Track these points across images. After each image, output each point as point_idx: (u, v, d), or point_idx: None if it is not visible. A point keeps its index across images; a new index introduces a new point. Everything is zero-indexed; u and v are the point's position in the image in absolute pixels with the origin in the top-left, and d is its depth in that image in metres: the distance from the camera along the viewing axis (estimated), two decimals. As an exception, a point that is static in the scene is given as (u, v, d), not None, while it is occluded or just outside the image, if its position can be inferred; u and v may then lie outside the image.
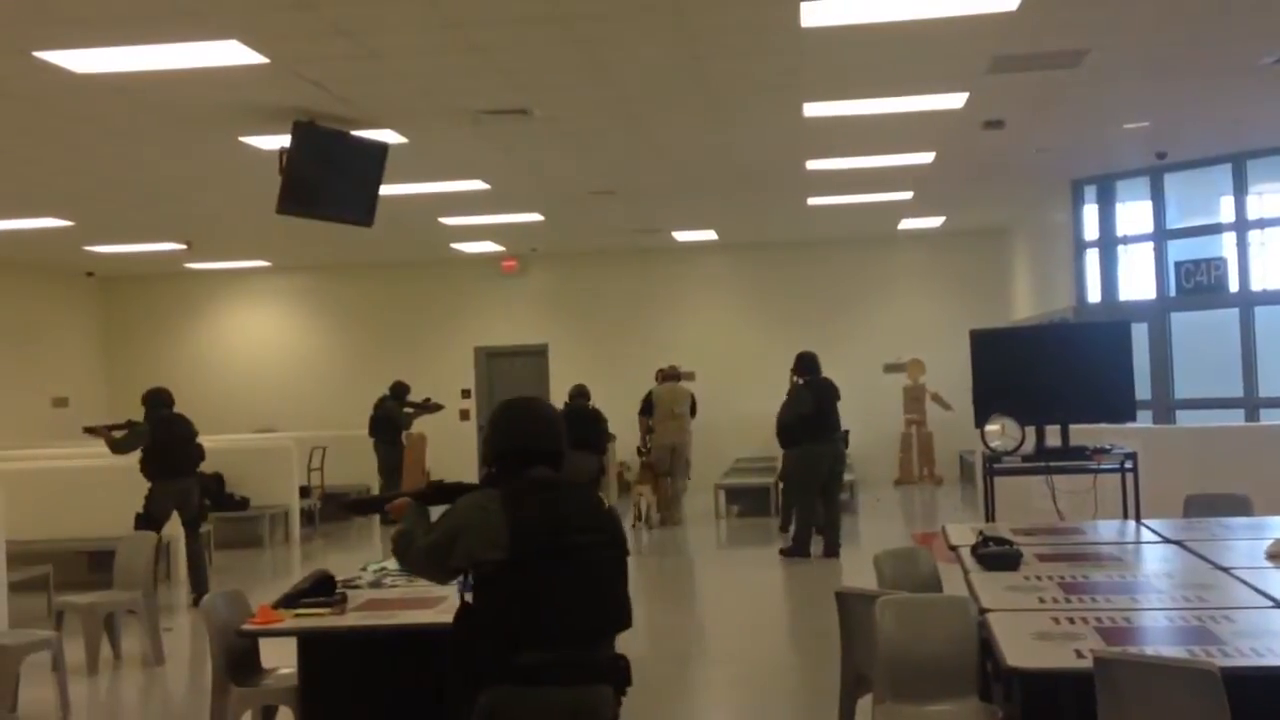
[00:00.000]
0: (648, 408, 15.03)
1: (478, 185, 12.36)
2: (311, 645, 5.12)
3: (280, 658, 5.53)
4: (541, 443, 3.77)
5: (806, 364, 12.12)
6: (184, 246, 16.07)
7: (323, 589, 5.35)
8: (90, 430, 10.60)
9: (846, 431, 12.40)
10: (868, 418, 17.89)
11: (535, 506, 3.57)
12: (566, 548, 3.55)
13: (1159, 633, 4.21)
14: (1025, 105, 9.85)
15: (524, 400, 3.95)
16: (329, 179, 8.96)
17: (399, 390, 16.12)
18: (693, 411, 15.07)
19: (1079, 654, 3.87)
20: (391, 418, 15.77)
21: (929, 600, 4.86)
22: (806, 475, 11.97)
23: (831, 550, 11.87)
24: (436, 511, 3.81)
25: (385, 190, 11.35)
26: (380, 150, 9.32)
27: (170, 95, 8.42)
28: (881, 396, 18.35)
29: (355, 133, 9.17)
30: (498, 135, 10.06)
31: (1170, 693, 3.57)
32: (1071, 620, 4.35)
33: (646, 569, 12.65)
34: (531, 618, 3.49)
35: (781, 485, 13.04)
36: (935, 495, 17.11)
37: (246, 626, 5.09)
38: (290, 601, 5.25)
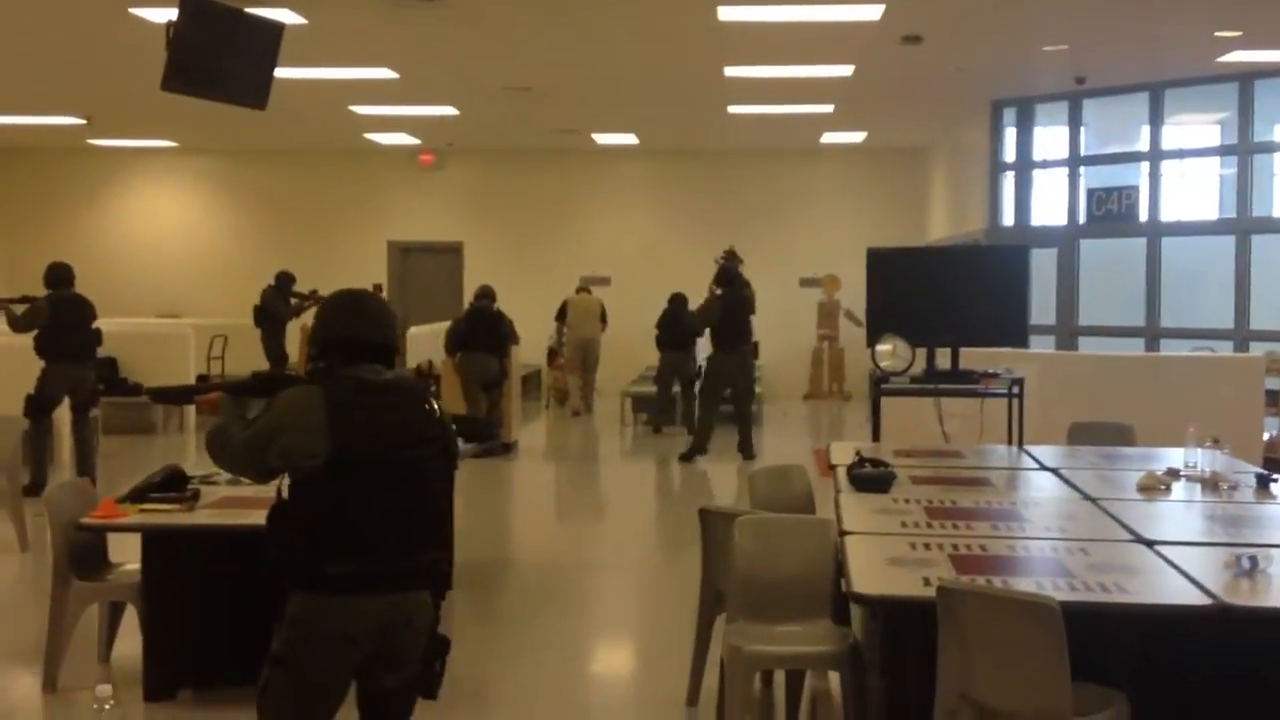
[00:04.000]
0: (562, 313, 16.43)
1: (385, 74, 11.98)
2: (156, 542, 4.96)
3: (132, 553, 5.35)
4: (369, 334, 3.53)
5: (725, 276, 12.41)
6: (84, 121, 15.50)
7: (173, 484, 5.17)
8: None
9: (756, 343, 12.78)
10: (781, 331, 17.86)
11: (360, 410, 3.38)
12: (388, 458, 3.38)
13: (1012, 563, 4.16)
14: (943, 21, 9.69)
15: (354, 291, 3.70)
16: (220, 57, 8.55)
17: (283, 280, 15.67)
18: (603, 320, 16.37)
19: (926, 582, 3.81)
20: (269, 308, 15.30)
21: (787, 521, 4.80)
22: (711, 383, 12.45)
23: (746, 453, 12.28)
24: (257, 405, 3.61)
25: (288, 73, 10.94)
26: (276, 29, 8.91)
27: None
28: (795, 310, 18.31)
29: (250, 10, 8.76)
30: (404, 21, 9.71)
31: (1009, 625, 3.53)
32: (928, 546, 4.30)
33: (542, 474, 12.61)
34: (345, 528, 3.33)
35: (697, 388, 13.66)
36: (843, 411, 17.18)
37: (86, 520, 4.91)
38: (138, 496, 5.08)
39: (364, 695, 3.48)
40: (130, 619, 5.40)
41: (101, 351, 10.95)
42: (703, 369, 12.91)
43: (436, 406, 3.58)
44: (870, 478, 5.45)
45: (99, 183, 19.39)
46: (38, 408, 9.87)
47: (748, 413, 12.56)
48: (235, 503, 5.14)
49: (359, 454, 3.34)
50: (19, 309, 9.88)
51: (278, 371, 3.88)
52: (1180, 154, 13.20)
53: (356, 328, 3.53)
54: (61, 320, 9.93)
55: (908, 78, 12.25)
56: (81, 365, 10.17)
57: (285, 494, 3.40)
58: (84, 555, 5.22)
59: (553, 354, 17.28)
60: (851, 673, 4.27)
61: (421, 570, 3.46)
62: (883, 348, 7.50)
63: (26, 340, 9.99)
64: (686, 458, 12.31)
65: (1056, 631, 3.39)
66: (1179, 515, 5.16)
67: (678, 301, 14.41)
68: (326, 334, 3.54)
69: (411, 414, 3.51)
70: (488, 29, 10.11)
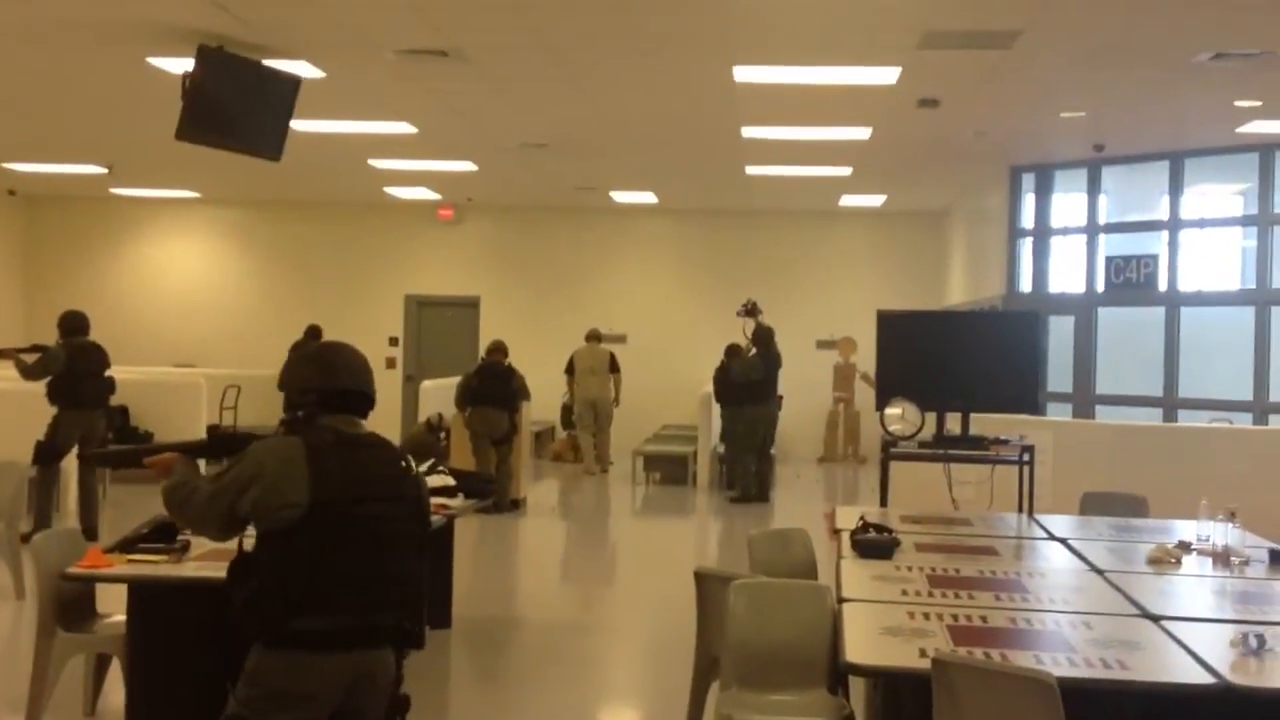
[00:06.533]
0: (570, 367, 16.15)
1: (404, 128, 12.01)
2: (142, 594, 4.86)
3: (121, 604, 5.27)
4: (349, 383, 3.52)
5: (765, 338, 13.74)
6: (105, 170, 15.61)
7: (163, 535, 5.08)
8: (1, 354, 10.20)
9: (781, 397, 14.36)
10: (797, 392, 17.70)
11: (339, 461, 3.32)
12: (363, 513, 3.33)
13: (1012, 635, 4.04)
14: (960, 86, 9.66)
15: (331, 342, 3.70)
16: (236, 108, 8.59)
17: (314, 334, 15.81)
18: (615, 369, 16.14)
19: (922, 653, 3.71)
20: None
21: (783, 586, 4.68)
22: (748, 431, 13.63)
23: (763, 496, 13.67)
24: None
25: (307, 126, 11.06)
26: (292, 82, 8.96)
27: (70, 7, 8.03)
28: (812, 372, 18.20)
29: (268, 62, 8.81)
30: (420, 77, 9.74)
31: (1005, 700, 3.41)
32: (927, 616, 4.20)
33: (549, 533, 12.50)
34: (316, 582, 3.27)
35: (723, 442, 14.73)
36: (858, 475, 17.01)
37: (72, 570, 4.83)
38: (127, 546, 5.00)
39: None
40: (117, 671, 5.31)
41: (114, 400, 10.93)
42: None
43: (410, 463, 3.54)
44: (873, 544, 5.36)
45: (121, 231, 19.48)
46: (49, 455, 9.83)
47: (771, 460, 14.02)
48: (225, 555, 4.96)
49: (335, 507, 3.28)
50: (30, 358, 9.86)
51: (235, 431, 3.75)
52: (1200, 224, 13.10)
53: (336, 378, 3.51)
54: (77, 368, 9.91)
55: (926, 141, 12.23)
56: (93, 413, 10.12)
57: (247, 547, 3.34)
58: (71, 606, 5.14)
59: (567, 411, 17.29)
60: (845, 746, 4.14)
61: (387, 627, 3.40)
62: (891, 411, 7.40)
63: (32, 387, 9.96)
64: (737, 500, 13.57)
65: (1054, 708, 3.28)
66: (1188, 590, 5.02)
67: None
68: (305, 384, 3.50)
69: (387, 470, 3.47)
70: (505, 85, 10.14)
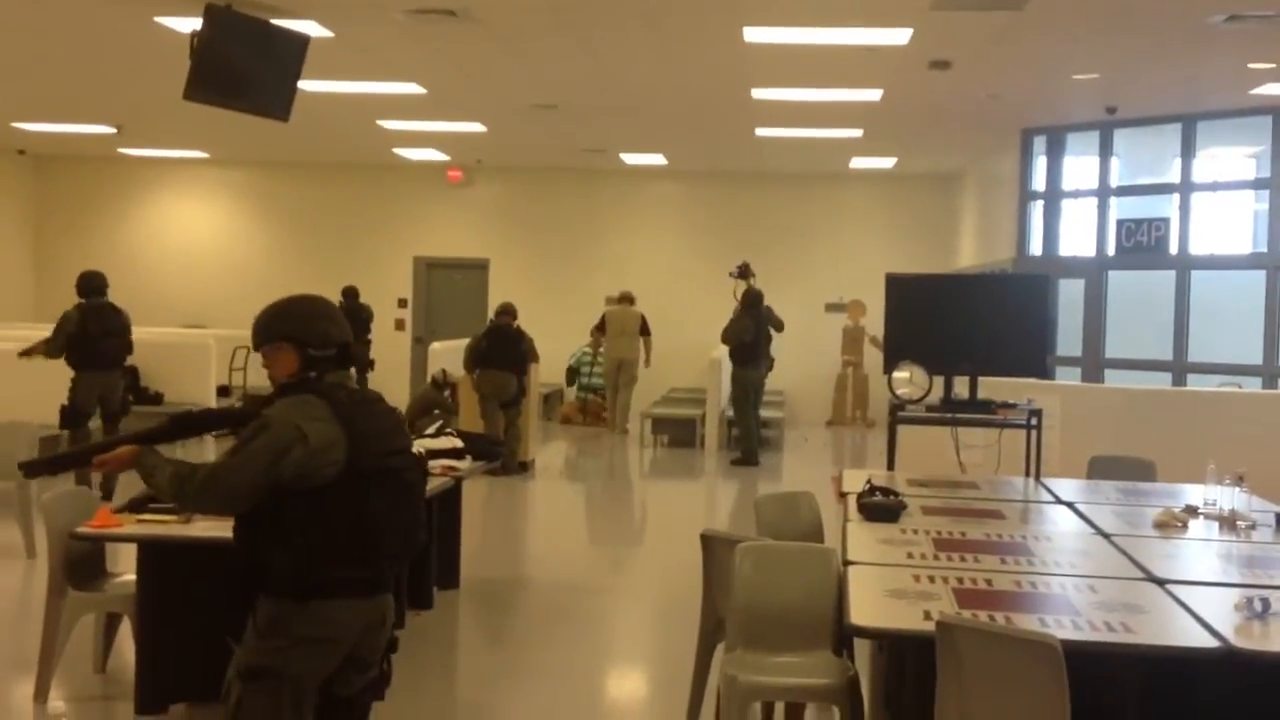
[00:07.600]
0: (602, 325, 16.26)
1: (412, 89, 11.97)
2: (152, 553, 4.91)
3: (132, 563, 5.30)
4: (348, 338, 3.57)
5: (754, 300, 13.85)
6: (114, 130, 15.58)
7: (172, 494, 5.10)
8: (27, 354, 10.10)
9: (772, 360, 14.27)
10: (805, 355, 17.74)
11: (363, 418, 3.40)
12: (392, 467, 3.44)
13: (1017, 599, 4.05)
14: (972, 47, 9.58)
15: (314, 295, 3.64)
16: (244, 67, 8.56)
17: (352, 295, 16.00)
18: (645, 331, 16.21)
19: (927, 615, 3.72)
20: (359, 315, 15.68)
21: (789, 549, 4.69)
22: (741, 394, 13.78)
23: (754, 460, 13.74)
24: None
25: (316, 86, 11.02)
26: (301, 42, 8.92)
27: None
28: (820, 335, 18.20)
29: (276, 21, 8.77)
30: (428, 37, 9.69)
31: (1009, 663, 3.43)
32: (932, 579, 4.21)
33: (557, 494, 12.54)
34: (358, 534, 3.35)
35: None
36: (865, 438, 17.02)
37: (81, 529, 4.86)
38: (136, 506, 5.03)
39: (330, 701, 3.46)
40: (128, 630, 5.35)
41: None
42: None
43: (403, 416, 3.70)
44: (879, 507, 5.36)
45: (130, 192, 19.48)
46: (73, 418, 9.89)
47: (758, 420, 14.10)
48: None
49: (370, 460, 3.36)
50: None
51: (193, 410, 3.56)
52: (1212, 187, 13.04)
53: (345, 332, 3.57)
54: (91, 328, 9.92)
55: (937, 104, 12.15)
56: (110, 373, 10.13)
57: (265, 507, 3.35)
58: (82, 565, 5.18)
59: (572, 373, 17.58)
60: (850, 707, 4.16)
61: (391, 574, 3.51)
62: (899, 374, 7.39)
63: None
64: (738, 462, 13.59)
65: (1057, 671, 3.29)
66: (1193, 554, 5.03)
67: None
68: (327, 339, 3.48)
69: (394, 422, 3.58)
70: (514, 46, 10.09)
